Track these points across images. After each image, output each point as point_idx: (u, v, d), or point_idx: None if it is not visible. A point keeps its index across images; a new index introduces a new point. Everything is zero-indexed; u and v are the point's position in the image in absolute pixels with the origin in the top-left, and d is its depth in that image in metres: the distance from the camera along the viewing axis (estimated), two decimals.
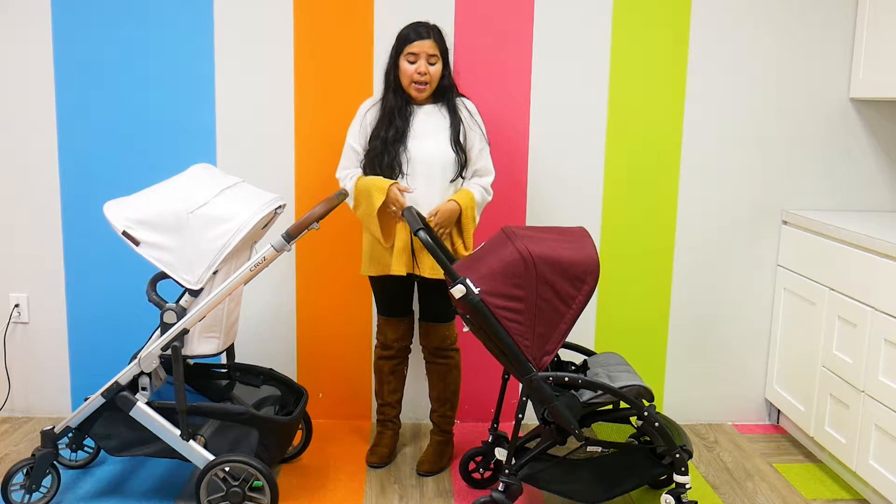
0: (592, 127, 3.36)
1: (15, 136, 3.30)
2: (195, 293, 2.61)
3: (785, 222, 3.42)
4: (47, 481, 2.74)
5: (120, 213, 2.57)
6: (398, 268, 2.87)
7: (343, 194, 2.77)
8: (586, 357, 2.86)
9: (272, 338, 3.44)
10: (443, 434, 3.12)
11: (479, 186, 2.92)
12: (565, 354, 2.97)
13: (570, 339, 3.04)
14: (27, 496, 2.68)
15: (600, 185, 3.39)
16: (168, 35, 3.24)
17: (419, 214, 2.64)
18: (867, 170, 3.43)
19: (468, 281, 2.43)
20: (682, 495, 2.56)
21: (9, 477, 2.65)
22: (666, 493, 2.59)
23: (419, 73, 2.83)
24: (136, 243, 2.56)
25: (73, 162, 3.31)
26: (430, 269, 2.87)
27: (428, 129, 2.89)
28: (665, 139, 3.38)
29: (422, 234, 2.49)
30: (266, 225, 2.77)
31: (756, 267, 3.47)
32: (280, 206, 2.75)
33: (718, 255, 3.46)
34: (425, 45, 2.82)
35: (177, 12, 3.22)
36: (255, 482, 2.64)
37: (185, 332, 2.63)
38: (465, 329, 2.62)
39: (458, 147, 2.88)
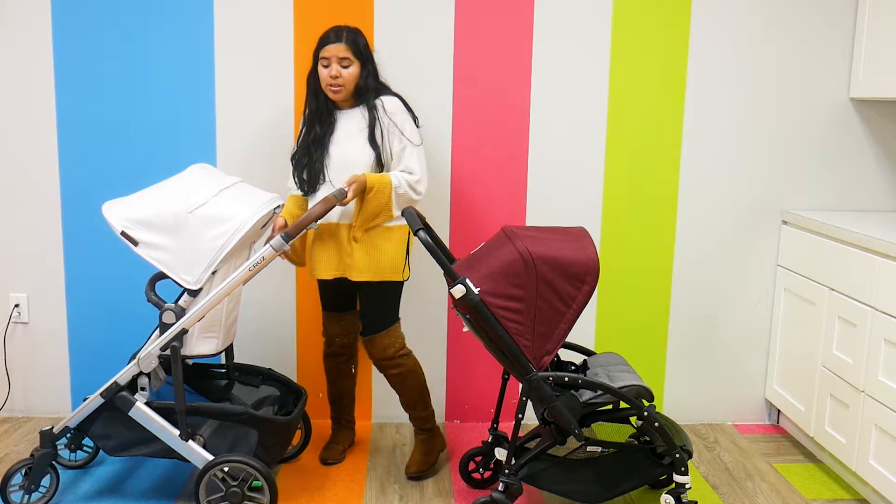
0: (592, 127, 3.36)
1: (15, 136, 3.30)
2: (194, 293, 2.61)
3: (785, 222, 3.42)
4: (46, 481, 2.74)
5: (119, 213, 2.57)
6: (322, 271, 2.88)
7: (342, 194, 2.77)
8: (586, 357, 2.85)
9: (272, 338, 3.44)
10: (424, 432, 3.08)
11: (403, 175, 2.80)
12: (565, 354, 2.97)
13: (570, 339, 3.05)
14: (26, 496, 2.68)
15: (600, 185, 3.39)
16: (168, 35, 3.24)
17: (419, 214, 2.64)
18: (867, 170, 3.43)
19: (468, 281, 2.43)
20: (682, 495, 2.56)
21: (8, 477, 2.64)
22: (666, 493, 2.59)
23: (331, 77, 2.81)
24: (135, 243, 2.56)
25: (73, 162, 3.31)
26: (358, 271, 2.83)
27: (348, 133, 2.86)
28: (665, 139, 3.38)
29: (421, 234, 2.49)
30: (265, 225, 2.77)
31: (756, 267, 3.47)
32: (278, 206, 2.75)
33: (718, 255, 3.46)
34: (337, 49, 2.80)
35: (177, 13, 3.22)
36: (255, 482, 2.64)
37: (184, 332, 2.63)
38: (465, 329, 2.62)
39: (375, 146, 2.82)
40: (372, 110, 2.84)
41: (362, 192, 2.75)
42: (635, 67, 3.33)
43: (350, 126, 2.87)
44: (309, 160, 2.87)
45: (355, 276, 2.84)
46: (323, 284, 3.03)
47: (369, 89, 2.86)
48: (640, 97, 3.35)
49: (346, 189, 2.72)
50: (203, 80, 3.27)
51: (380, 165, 2.84)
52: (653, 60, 3.33)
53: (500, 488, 2.52)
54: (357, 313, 3.08)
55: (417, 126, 2.91)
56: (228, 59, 3.26)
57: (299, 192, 2.95)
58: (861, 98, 3.35)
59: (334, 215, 2.85)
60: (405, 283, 2.99)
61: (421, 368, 3.00)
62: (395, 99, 2.89)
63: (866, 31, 3.26)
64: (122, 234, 2.55)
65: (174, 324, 2.61)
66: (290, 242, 2.64)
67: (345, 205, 2.73)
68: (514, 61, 3.30)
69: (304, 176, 2.88)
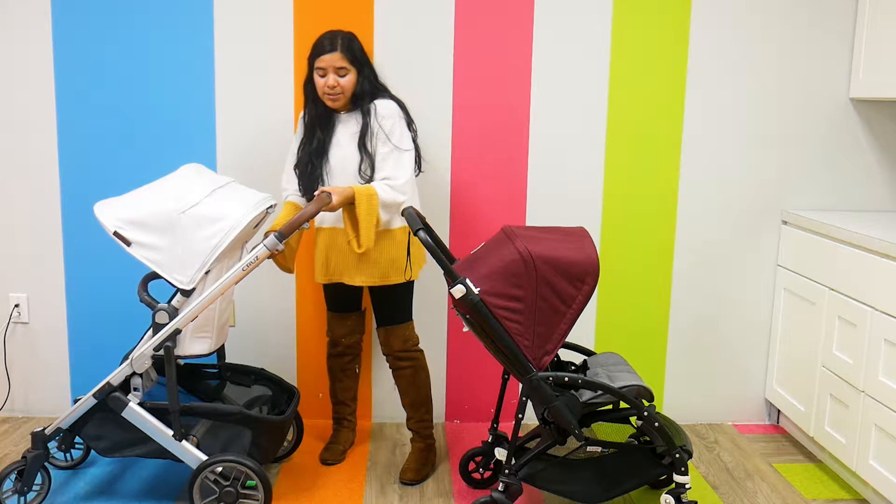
0: (592, 127, 3.36)
1: (15, 136, 3.30)
2: (187, 293, 2.61)
3: (785, 222, 3.42)
4: (37, 480, 2.71)
5: (111, 213, 2.56)
6: (318, 276, 2.94)
7: (329, 196, 2.76)
8: (586, 357, 2.85)
9: (272, 338, 3.43)
10: (423, 440, 3.07)
11: (385, 184, 2.76)
12: (565, 354, 2.97)
13: (570, 339, 3.05)
14: (21, 499, 2.66)
15: (600, 185, 3.39)
16: (168, 35, 3.24)
17: (418, 214, 2.64)
18: (867, 170, 3.43)
19: (468, 281, 2.42)
20: (682, 495, 2.56)
21: (0, 480, 2.62)
22: (666, 493, 2.59)
23: (329, 87, 2.79)
24: (128, 244, 2.55)
25: (73, 162, 3.31)
26: (352, 275, 2.84)
27: (344, 138, 2.85)
28: (665, 139, 3.38)
29: (421, 234, 2.49)
30: (258, 225, 2.77)
31: (756, 267, 3.47)
32: (271, 206, 2.75)
33: (718, 255, 3.46)
34: (332, 59, 2.77)
35: (177, 12, 3.22)
36: (249, 481, 2.63)
37: (177, 332, 2.62)
38: (465, 329, 2.62)
39: (364, 150, 2.80)
40: (366, 115, 2.82)
41: (349, 201, 2.70)
42: (635, 67, 3.33)
43: (346, 131, 2.86)
44: (311, 167, 2.87)
45: (358, 282, 2.85)
46: (327, 285, 3.04)
47: (366, 94, 2.84)
48: (640, 97, 3.35)
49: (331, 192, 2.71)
50: (203, 80, 3.27)
51: (373, 170, 2.80)
52: (653, 60, 3.33)
53: (500, 488, 2.52)
54: (363, 313, 3.10)
55: (412, 130, 2.89)
56: (228, 58, 3.26)
57: (293, 198, 2.95)
58: (861, 98, 3.35)
59: (334, 220, 2.86)
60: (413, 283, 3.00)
61: (428, 370, 3.04)
62: (391, 102, 2.85)
63: (866, 31, 3.26)
64: (115, 234, 2.54)
65: (167, 324, 2.61)
66: (284, 242, 2.63)
67: (333, 210, 2.68)
68: (514, 62, 3.30)
69: (305, 182, 2.89)
